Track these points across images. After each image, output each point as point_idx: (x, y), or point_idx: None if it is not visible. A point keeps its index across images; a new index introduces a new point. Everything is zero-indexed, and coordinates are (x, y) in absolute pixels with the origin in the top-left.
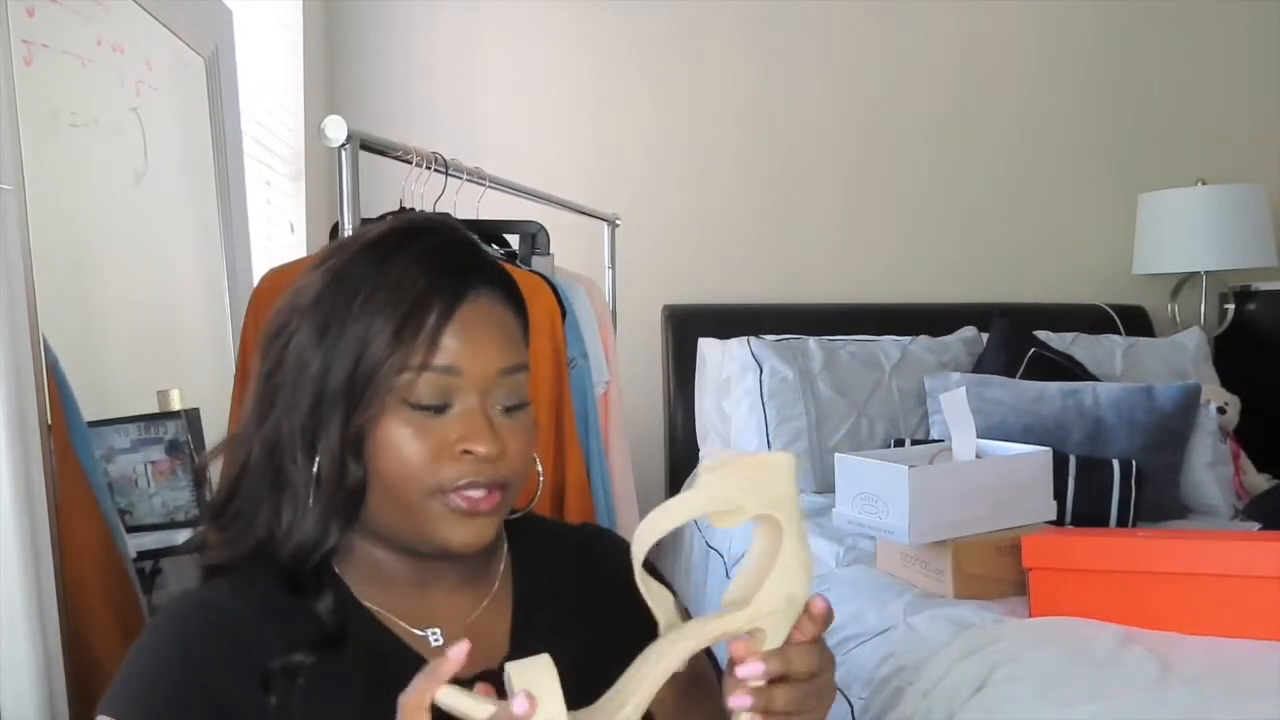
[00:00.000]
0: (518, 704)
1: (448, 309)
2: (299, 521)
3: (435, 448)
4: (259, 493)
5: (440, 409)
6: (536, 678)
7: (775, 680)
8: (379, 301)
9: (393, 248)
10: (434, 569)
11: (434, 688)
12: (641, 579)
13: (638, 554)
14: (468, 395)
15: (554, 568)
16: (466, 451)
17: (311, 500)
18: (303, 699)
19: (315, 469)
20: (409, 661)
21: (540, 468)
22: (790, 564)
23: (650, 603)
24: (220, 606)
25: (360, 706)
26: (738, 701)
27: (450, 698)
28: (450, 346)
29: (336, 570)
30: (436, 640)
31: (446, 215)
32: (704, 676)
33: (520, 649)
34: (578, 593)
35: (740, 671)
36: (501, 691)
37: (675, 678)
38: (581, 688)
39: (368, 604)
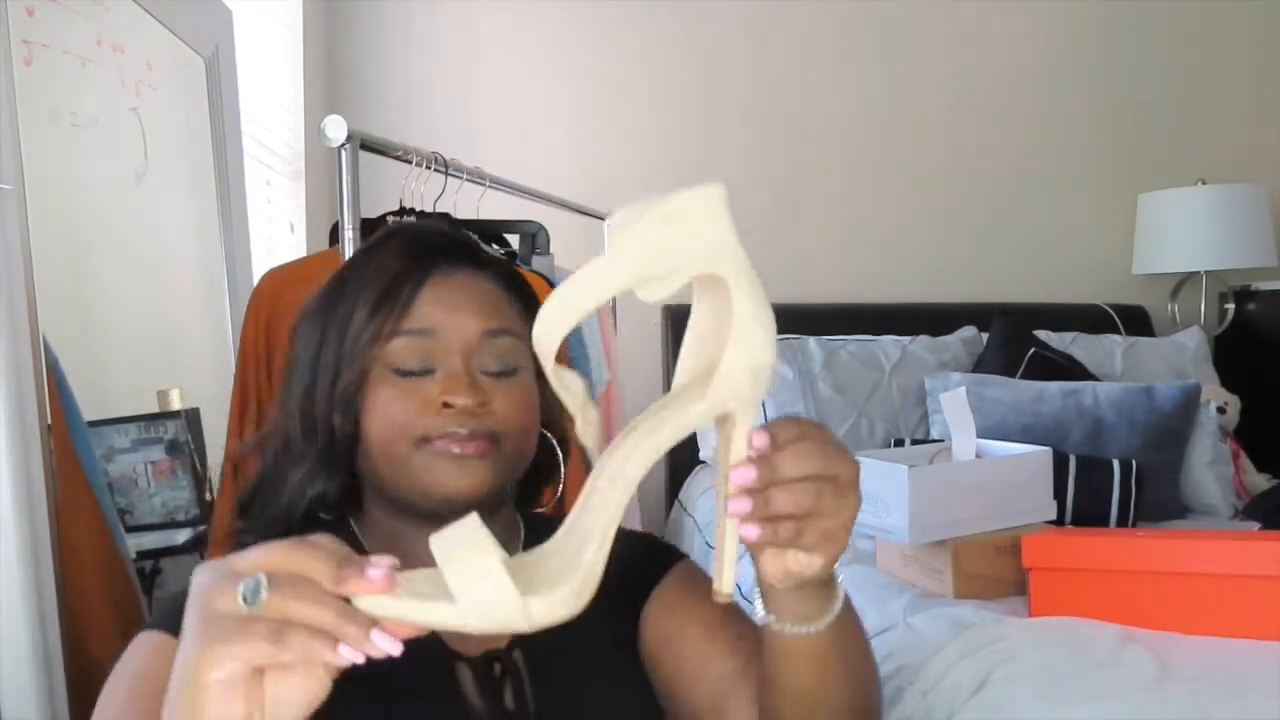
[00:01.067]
0: (438, 614)
1: (419, 280)
2: (293, 477)
3: (419, 404)
4: (281, 480)
5: (424, 373)
6: (464, 540)
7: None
8: (361, 283)
9: (378, 244)
10: None
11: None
12: (553, 371)
13: (549, 336)
14: (450, 357)
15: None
16: (447, 405)
17: (306, 450)
18: None
19: (313, 423)
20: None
21: (558, 446)
22: (747, 327)
23: (562, 394)
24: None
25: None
26: (736, 506)
27: (393, 608)
28: (425, 312)
29: (363, 543)
30: None
31: (445, 215)
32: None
33: (522, 637)
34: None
35: (735, 477)
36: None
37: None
38: (579, 685)
39: None
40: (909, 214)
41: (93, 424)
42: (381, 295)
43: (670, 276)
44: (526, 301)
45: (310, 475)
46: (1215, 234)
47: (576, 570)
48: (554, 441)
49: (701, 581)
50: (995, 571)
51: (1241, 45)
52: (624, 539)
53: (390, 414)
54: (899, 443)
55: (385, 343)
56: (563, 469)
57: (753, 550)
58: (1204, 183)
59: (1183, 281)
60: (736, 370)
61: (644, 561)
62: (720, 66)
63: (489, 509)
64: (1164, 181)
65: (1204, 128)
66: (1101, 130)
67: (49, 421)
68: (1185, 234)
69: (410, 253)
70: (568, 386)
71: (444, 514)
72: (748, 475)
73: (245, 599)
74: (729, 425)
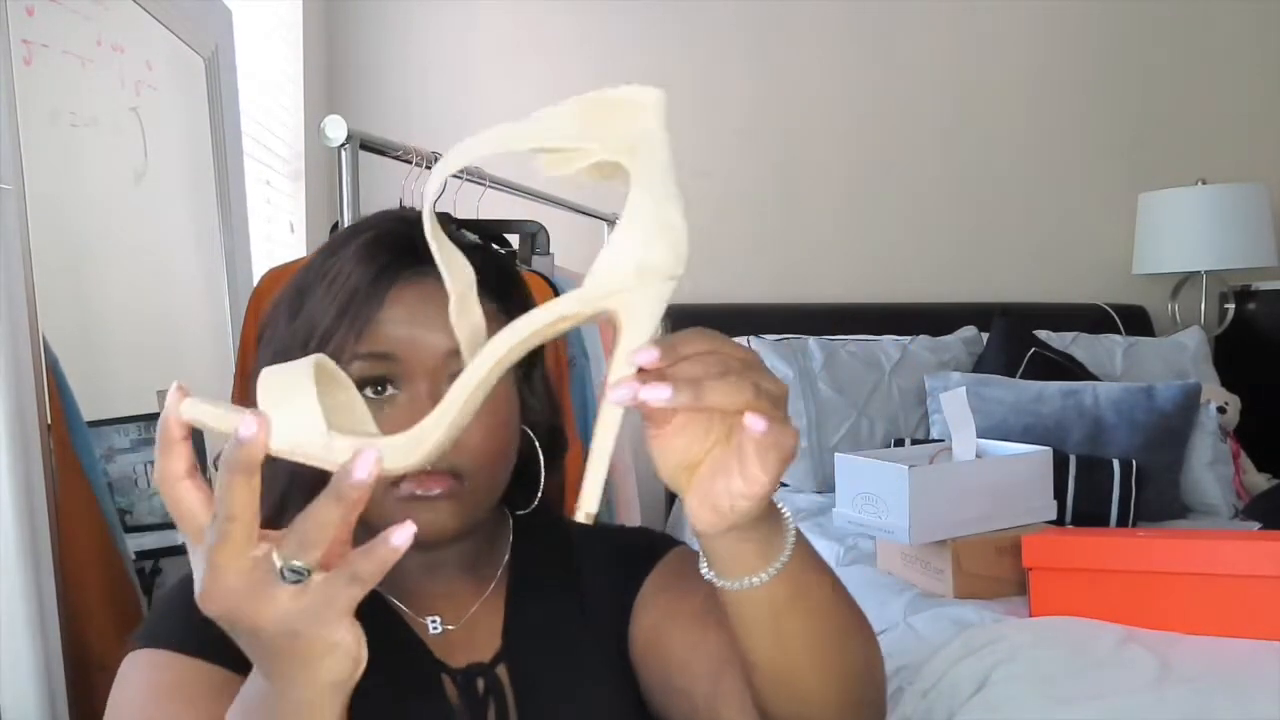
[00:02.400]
0: (244, 424)
1: (379, 294)
2: (265, 496)
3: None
4: (267, 494)
5: (388, 394)
6: (288, 382)
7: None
8: (319, 294)
9: (337, 245)
10: (433, 557)
11: (177, 446)
12: (436, 241)
13: (432, 190)
14: (415, 382)
15: (549, 565)
16: None
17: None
18: None
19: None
20: (407, 642)
21: (539, 446)
22: (642, 222)
23: (445, 273)
24: None
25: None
26: (616, 394)
27: (192, 410)
28: (386, 333)
29: None
30: (435, 628)
31: (445, 215)
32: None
33: (511, 645)
34: (569, 589)
35: (614, 369)
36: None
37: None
38: (566, 697)
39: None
40: (909, 214)
41: (93, 424)
42: (342, 309)
43: (578, 154)
44: (506, 297)
45: (281, 506)
46: (1215, 234)
47: (412, 429)
48: (536, 441)
49: (695, 567)
50: (995, 571)
51: (1241, 45)
52: (621, 534)
53: None
54: (899, 443)
55: (347, 364)
56: (542, 465)
57: (677, 484)
58: (1204, 183)
59: (1183, 281)
60: (620, 264)
61: (638, 553)
62: (719, 65)
63: (467, 534)
64: (1164, 181)
65: (1204, 128)
66: (1101, 130)
67: (49, 421)
68: (1185, 234)
69: (372, 258)
70: (453, 268)
71: (414, 551)
72: (647, 355)
73: (296, 576)
74: (614, 323)
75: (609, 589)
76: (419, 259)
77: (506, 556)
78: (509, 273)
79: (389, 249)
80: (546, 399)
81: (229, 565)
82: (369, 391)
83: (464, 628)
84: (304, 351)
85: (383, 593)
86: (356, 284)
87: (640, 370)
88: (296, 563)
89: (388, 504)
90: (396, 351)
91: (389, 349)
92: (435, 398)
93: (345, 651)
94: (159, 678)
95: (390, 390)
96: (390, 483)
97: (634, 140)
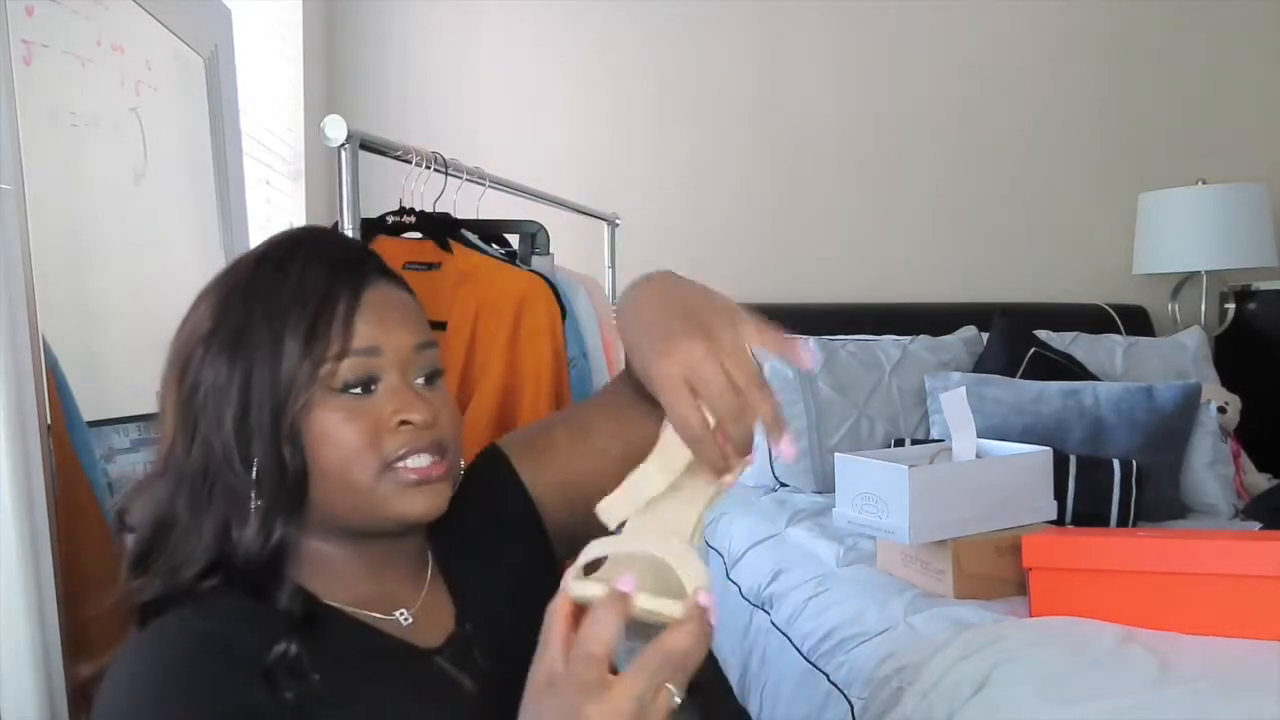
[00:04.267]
0: (701, 597)
1: (354, 297)
2: (244, 527)
3: (372, 425)
4: (198, 516)
5: (367, 390)
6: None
7: None
8: (285, 304)
9: (284, 258)
10: (382, 555)
11: (613, 622)
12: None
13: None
14: (390, 373)
15: (454, 516)
16: (404, 422)
17: (254, 503)
18: (314, 704)
19: (255, 473)
20: (390, 648)
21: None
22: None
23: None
24: (198, 627)
25: (365, 705)
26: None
27: (646, 603)
28: (365, 331)
29: (297, 580)
30: (406, 620)
31: (445, 215)
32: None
33: (463, 608)
34: (480, 528)
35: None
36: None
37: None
38: (520, 610)
39: (333, 603)
40: (909, 214)
41: (93, 424)
42: (316, 315)
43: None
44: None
45: (267, 526)
46: (1215, 234)
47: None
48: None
49: (526, 429)
50: (995, 571)
51: (1241, 45)
52: (467, 474)
53: (344, 439)
54: (899, 443)
55: (334, 365)
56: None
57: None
58: (1204, 182)
59: (1183, 281)
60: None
61: (487, 466)
62: (721, 66)
63: None
64: (1164, 181)
65: (1204, 128)
66: (1101, 130)
67: (49, 421)
68: (1185, 234)
69: (331, 267)
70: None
71: (385, 540)
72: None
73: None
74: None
75: (505, 508)
76: (372, 269)
77: (424, 534)
78: (405, 282)
79: (348, 261)
80: None
81: (617, 688)
82: (356, 391)
83: (425, 607)
84: (279, 366)
85: (343, 607)
86: (327, 290)
87: None
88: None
89: (386, 487)
90: (379, 345)
91: (373, 343)
92: (410, 385)
93: None
94: None
95: (371, 386)
96: (386, 466)
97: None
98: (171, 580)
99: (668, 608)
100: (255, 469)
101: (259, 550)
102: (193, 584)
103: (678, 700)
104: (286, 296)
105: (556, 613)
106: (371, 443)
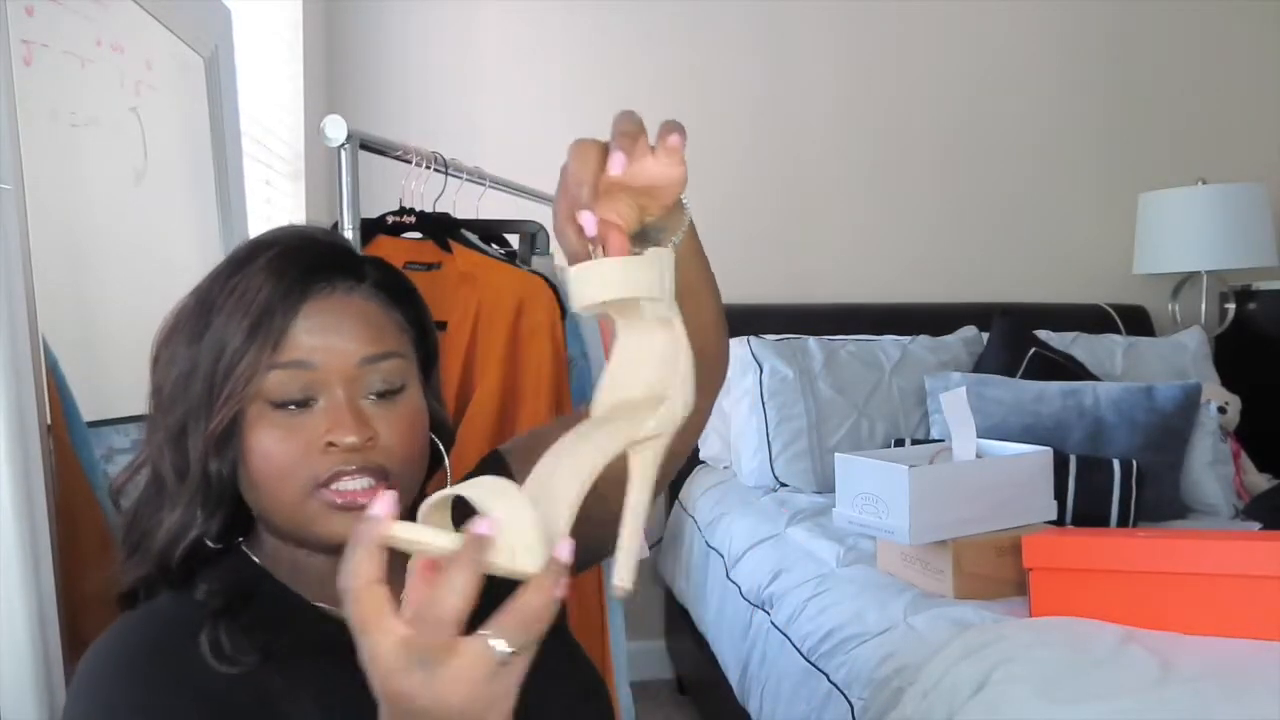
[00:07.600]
0: (481, 524)
1: (292, 307)
2: (168, 513)
3: (302, 444)
4: (158, 509)
5: (304, 405)
6: (497, 495)
7: None
8: (230, 309)
9: (242, 260)
10: None
11: (373, 552)
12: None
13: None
14: (332, 389)
15: None
16: (331, 444)
17: (181, 492)
18: (278, 698)
19: (185, 464)
20: None
21: (444, 450)
22: (688, 371)
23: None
24: (168, 613)
25: (332, 699)
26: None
27: (404, 532)
28: (301, 342)
29: (283, 581)
30: None
31: (445, 215)
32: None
33: None
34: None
35: None
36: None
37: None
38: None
39: (319, 604)
40: (909, 214)
41: (93, 424)
42: (254, 324)
43: (620, 298)
44: (407, 305)
45: (187, 518)
46: (1215, 234)
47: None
48: (441, 446)
49: (526, 436)
50: (996, 572)
51: (1242, 45)
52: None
53: (274, 456)
54: (899, 443)
55: (263, 376)
56: (449, 463)
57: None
58: (1204, 182)
59: (1183, 281)
60: (679, 406)
61: (488, 471)
62: (722, 65)
63: None
64: (1164, 181)
65: (1204, 128)
66: (1102, 130)
67: (49, 421)
68: (1185, 234)
69: (282, 273)
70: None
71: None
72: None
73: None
74: (640, 448)
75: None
76: (327, 272)
77: None
78: (405, 285)
79: (297, 263)
80: (440, 398)
81: (465, 653)
82: (292, 408)
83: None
84: (215, 368)
85: (326, 610)
86: (269, 297)
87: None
88: (510, 648)
89: (313, 507)
90: (313, 359)
91: (305, 357)
92: (352, 407)
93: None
94: None
95: (309, 402)
96: (310, 483)
97: (665, 293)
98: (148, 567)
99: (524, 562)
100: (188, 471)
101: (179, 535)
102: (177, 571)
103: (508, 651)
104: (233, 301)
105: (415, 571)
106: (301, 461)
